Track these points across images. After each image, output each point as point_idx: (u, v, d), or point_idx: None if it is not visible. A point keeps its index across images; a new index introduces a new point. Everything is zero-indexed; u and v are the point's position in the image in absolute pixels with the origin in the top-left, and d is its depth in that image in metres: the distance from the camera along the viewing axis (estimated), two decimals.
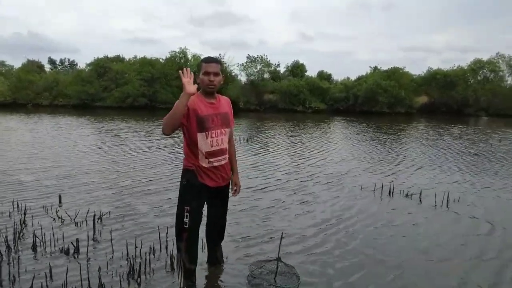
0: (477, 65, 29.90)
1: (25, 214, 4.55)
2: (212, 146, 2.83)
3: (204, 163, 2.85)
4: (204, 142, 2.81)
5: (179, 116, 2.61)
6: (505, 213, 5.02)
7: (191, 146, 2.85)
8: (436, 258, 3.60)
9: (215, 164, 2.88)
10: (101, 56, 33.04)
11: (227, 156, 2.98)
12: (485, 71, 30.00)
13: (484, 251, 3.80)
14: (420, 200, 5.48)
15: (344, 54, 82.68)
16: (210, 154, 2.84)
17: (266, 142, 12.01)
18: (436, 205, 5.25)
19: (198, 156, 2.84)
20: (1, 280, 3.03)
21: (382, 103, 27.64)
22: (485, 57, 30.74)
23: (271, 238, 4.01)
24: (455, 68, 30.87)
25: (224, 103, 2.98)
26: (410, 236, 4.17)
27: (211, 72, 2.79)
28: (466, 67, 30.39)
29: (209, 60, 2.86)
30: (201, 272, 3.18)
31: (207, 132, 2.80)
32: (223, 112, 2.92)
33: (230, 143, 3.06)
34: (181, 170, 2.96)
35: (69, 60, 50.99)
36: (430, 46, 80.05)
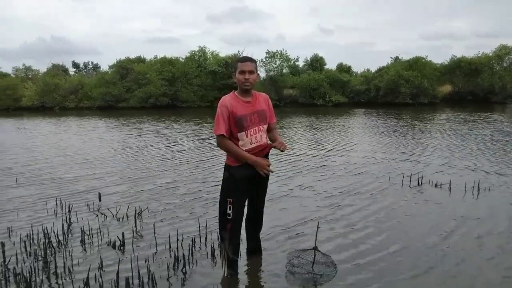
0: (503, 51, 29.01)
1: (69, 211, 4.84)
2: (251, 143, 2.99)
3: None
4: (244, 141, 2.97)
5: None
6: None
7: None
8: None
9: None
10: (122, 57, 33.81)
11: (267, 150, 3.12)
12: (511, 57, 29.09)
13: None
14: (450, 190, 5.50)
15: (364, 45, 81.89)
16: (250, 151, 2.99)
17: (292, 137, 12.11)
18: (465, 195, 5.26)
19: None
20: (57, 271, 3.27)
21: (405, 94, 27.18)
22: (510, 43, 29.80)
23: (308, 228, 4.14)
24: (480, 55, 30.04)
25: (261, 100, 3.12)
26: (440, 226, 4.22)
27: (246, 71, 2.94)
28: (491, 54, 29.54)
29: (244, 59, 3.02)
30: (241, 261, 3.35)
31: (246, 131, 2.96)
32: (260, 110, 3.06)
33: (273, 132, 3.23)
34: (223, 166, 3.13)
35: (92, 63, 52.39)
36: (453, 32, 78.12)
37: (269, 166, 2.96)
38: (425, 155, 8.36)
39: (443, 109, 23.14)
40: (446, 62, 30.48)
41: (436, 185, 5.73)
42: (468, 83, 28.55)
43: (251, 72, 2.96)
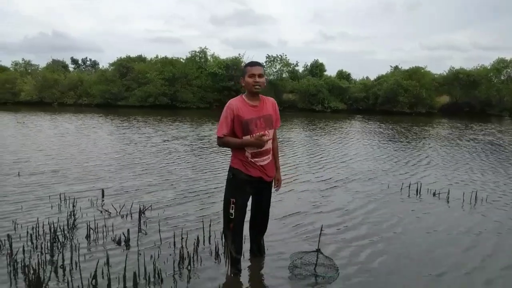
0: (501, 65, 29.34)
1: (74, 206, 4.89)
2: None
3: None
4: None
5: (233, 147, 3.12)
6: None
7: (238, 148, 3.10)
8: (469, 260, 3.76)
9: (260, 163, 3.12)
10: (123, 56, 33.85)
11: (271, 155, 3.20)
12: (509, 70, 29.43)
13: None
14: (448, 200, 5.60)
15: (365, 53, 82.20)
16: (255, 154, 3.08)
17: (289, 140, 12.21)
18: (463, 205, 5.37)
19: (244, 155, 3.08)
20: (64, 265, 3.33)
21: (403, 103, 27.43)
22: (508, 56, 30.16)
23: (311, 230, 4.22)
24: (478, 67, 30.36)
25: (268, 104, 3.20)
26: (439, 234, 4.32)
27: (256, 74, 3.04)
28: (489, 67, 29.87)
29: (253, 64, 3.12)
30: (245, 261, 3.42)
31: (251, 135, 3.04)
32: (267, 114, 3.14)
33: (274, 141, 3.28)
34: (226, 166, 3.21)
35: (91, 60, 52.20)
36: (453, 44, 78.71)
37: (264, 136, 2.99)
38: (422, 164, 8.47)
39: (440, 119, 23.35)
40: (445, 73, 30.79)
41: (434, 194, 5.84)
42: (465, 95, 28.82)
43: (260, 75, 3.06)
